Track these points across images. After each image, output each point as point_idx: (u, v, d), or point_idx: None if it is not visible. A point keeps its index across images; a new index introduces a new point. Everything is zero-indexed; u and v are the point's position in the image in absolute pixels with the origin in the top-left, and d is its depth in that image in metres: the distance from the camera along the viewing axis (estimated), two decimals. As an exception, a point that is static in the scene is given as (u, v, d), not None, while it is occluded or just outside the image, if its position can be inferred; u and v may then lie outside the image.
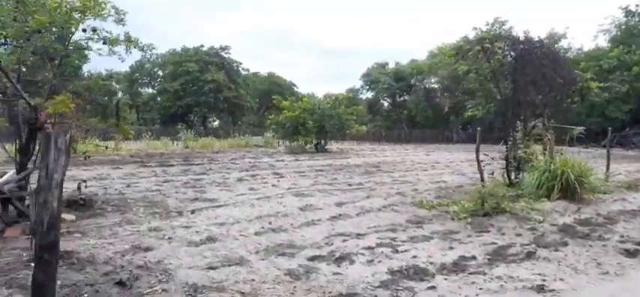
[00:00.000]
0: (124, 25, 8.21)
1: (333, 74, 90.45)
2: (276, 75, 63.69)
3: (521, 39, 10.56)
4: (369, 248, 5.91)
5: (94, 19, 7.84)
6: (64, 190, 9.28)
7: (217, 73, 50.40)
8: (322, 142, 27.46)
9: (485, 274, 4.92)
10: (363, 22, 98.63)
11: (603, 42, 39.76)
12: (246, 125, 51.76)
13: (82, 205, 8.78)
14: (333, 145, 30.52)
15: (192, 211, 8.50)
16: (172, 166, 17.65)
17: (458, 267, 5.16)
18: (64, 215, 7.95)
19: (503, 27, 12.02)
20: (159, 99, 55.61)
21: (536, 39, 10.53)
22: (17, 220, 7.18)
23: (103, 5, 7.76)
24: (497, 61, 10.52)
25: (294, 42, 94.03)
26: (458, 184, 12.51)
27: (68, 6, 7.48)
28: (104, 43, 8.16)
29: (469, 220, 7.45)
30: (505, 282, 4.64)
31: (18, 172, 7.63)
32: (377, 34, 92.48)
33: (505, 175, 11.23)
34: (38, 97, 8.11)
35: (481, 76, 10.92)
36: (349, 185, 12.41)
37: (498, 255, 5.64)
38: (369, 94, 57.62)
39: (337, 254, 5.63)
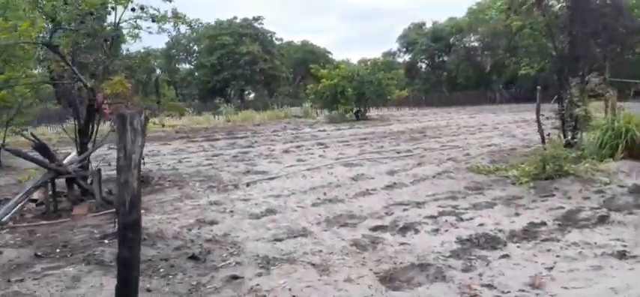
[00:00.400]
0: (170, 1, 8.22)
1: (368, 38, 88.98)
2: (310, 43, 63.03)
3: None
4: (432, 217, 5.81)
5: (143, -3, 7.89)
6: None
7: (252, 44, 50.37)
8: (362, 109, 27.19)
9: (558, 240, 4.75)
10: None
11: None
12: (282, 96, 51.84)
13: (141, 181, 9.04)
14: (372, 112, 30.20)
15: (247, 184, 8.62)
16: (218, 140, 17.94)
17: (528, 234, 5.00)
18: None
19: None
20: (196, 74, 56.27)
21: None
22: (82, 199, 7.47)
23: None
24: (552, 13, 9.95)
25: (324, 6, 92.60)
26: (510, 147, 12.16)
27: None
28: (153, 20, 8.21)
29: (531, 184, 7.19)
30: (582, 248, 4.46)
31: (79, 152, 7.90)
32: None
33: (561, 136, 10.78)
34: (93, 78, 8.31)
35: (536, 31, 10.34)
36: (397, 153, 12.26)
37: (569, 220, 5.44)
38: (407, 57, 56.35)
39: (400, 224, 5.57)
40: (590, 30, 9.98)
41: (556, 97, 11.07)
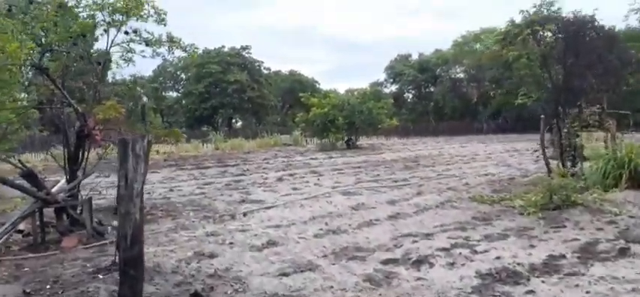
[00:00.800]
0: (164, 25, 7.98)
1: (353, 69, 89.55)
2: (297, 73, 63.39)
3: (571, 19, 9.93)
4: (445, 249, 5.54)
5: (136, 20, 7.64)
6: (108, 196, 9.16)
7: (240, 73, 50.35)
8: (353, 138, 27.07)
9: (583, 274, 4.51)
10: (381, 14, 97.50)
11: (634, 22, 38.18)
12: (270, 125, 51.64)
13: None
14: (362, 141, 30.08)
15: (244, 214, 8.27)
16: (208, 168, 17.54)
17: (550, 267, 4.76)
18: (115, 222, 7.83)
19: (552, 8, 11.57)
20: (184, 102, 55.90)
21: (588, 17, 9.88)
22: (71, 229, 7.03)
23: (143, 4, 7.53)
24: (547, 45, 9.96)
25: (311, 38, 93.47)
26: (509, 176, 12.02)
27: (111, 8, 7.28)
28: (147, 44, 7.95)
29: (540, 214, 7.00)
30: (611, 284, 4.22)
31: (68, 180, 7.49)
32: (396, 26, 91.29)
33: (560, 165, 10.68)
34: (82, 103, 7.96)
35: (531, 62, 10.33)
36: (394, 182, 12.03)
37: (588, 253, 5.22)
38: (394, 88, 56.82)
39: (413, 257, 5.28)
40: (585, 62, 10.01)
41: (549, 127, 11.03)
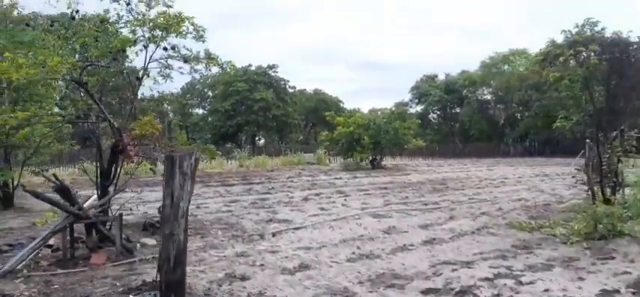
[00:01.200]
0: (203, 41, 7.97)
1: (378, 88, 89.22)
2: (322, 92, 63.62)
3: (615, 40, 9.60)
4: (488, 280, 5.27)
5: (176, 36, 7.66)
6: (135, 212, 9.13)
7: (266, 91, 50.76)
8: (378, 158, 26.77)
9: (642, 313, 4.19)
10: (407, 34, 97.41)
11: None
12: (293, 142, 51.72)
13: (158, 228, 8.58)
14: (387, 161, 29.75)
15: (273, 234, 8.11)
16: (234, 185, 17.50)
17: (605, 304, 4.45)
18: (143, 239, 7.78)
19: (595, 28, 11.18)
20: (210, 119, 56.55)
21: (636, 39, 9.53)
22: (100, 245, 6.99)
23: (183, 20, 7.55)
24: (589, 65, 9.62)
25: (336, 57, 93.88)
26: (544, 202, 11.58)
27: (151, 24, 7.32)
28: (185, 61, 7.95)
29: (584, 244, 6.66)
30: (676, 324, 3.90)
31: (100, 196, 7.48)
32: (422, 46, 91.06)
33: (599, 192, 10.23)
34: (117, 118, 7.99)
35: (573, 83, 10.00)
36: (424, 204, 11.72)
37: (643, 288, 4.88)
38: (419, 108, 56.40)
39: (455, 287, 5.02)
40: (629, 83, 9.64)
41: (582, 152, 10.61)
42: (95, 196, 7.66)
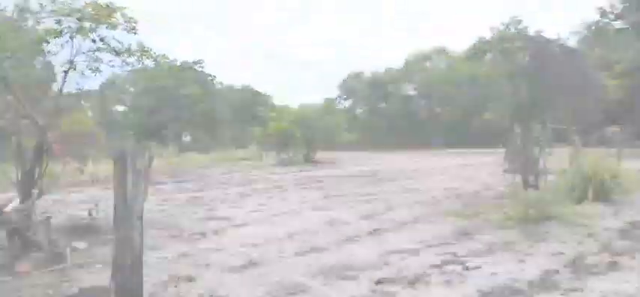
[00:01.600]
0: (135, 33, 7.43)
1: (306, 85, 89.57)
2: (251, 87, 62.73)
3: (539, 39, 10.28)
4: (436, 266, 5.39)
5: (106, 28, 7.07)
6: (66, 215, 8.42)
7: (192, 86, 49.13)
8: (311, 152, 26.88)
9: (582, 290, 4.47)
10: (329, 30, 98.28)
11: (573, 43, 40.57)
12: (223, 139, 50.61)
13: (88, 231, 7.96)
14: (319, 155, 29.92)
15: (215, 232, 7.81)
16: (164, 184, 16.71)
17: (548, 283, 4.69)
18: (74, 243, 7.16)
19: (519, 26, 11.96)
20: (131, 116, 53.77)
21: (556, 38, 10.26)
22: (24, 252, 6.34)
23: (115, 11, 7.00)
24: (515, 61, 10.23)
25: (261, 53, 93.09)
26: (474, 191, 12.16)
27: (79, 14, 6.70)
28: (116, 53, 7.37)
29: (517, 228, 7.04)
30: (616, 299, 4.19)
31: (22, 199, 6.77)
32: (348, 43, 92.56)
33: (523, 180, 10.92)
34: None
35: (500, 77, 10.57)
36: (361, 196, 11.88)
37: (578, 267, 5.21)
38: (347, 104, 57.42)
39: (407, 275, 5.08)
40: (552, 80, 10.34)
41: (504, 142, 11.30)
42: (17, 199, 6.93)
